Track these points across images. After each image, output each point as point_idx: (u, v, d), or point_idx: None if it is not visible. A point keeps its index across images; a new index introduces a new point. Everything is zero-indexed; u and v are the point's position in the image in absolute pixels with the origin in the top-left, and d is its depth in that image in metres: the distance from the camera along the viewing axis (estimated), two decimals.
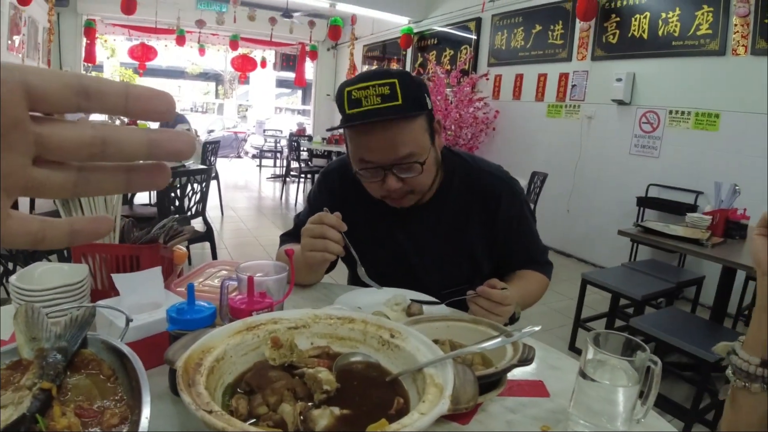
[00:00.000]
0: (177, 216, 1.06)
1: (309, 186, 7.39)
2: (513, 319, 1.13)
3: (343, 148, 6.78)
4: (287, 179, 7.83)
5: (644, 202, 4.09)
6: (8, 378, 0.60)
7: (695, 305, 3.20)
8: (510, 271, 1.28)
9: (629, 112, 4.34)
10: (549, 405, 0.79)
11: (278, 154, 9.74)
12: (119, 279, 0.85)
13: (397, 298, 1.07)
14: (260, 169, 10.09)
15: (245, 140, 13.14)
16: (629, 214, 4.18)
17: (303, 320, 0.76)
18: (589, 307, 3.02)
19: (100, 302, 0.80)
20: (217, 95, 21.52)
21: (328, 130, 1.52)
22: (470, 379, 0.63)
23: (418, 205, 1.22)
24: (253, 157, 11.58)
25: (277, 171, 9.35)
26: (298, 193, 7.30)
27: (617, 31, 4.40)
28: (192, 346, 0.63)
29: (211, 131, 11.79)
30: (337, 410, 0.61)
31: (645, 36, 4.17)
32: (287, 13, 7.99)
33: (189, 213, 2.97)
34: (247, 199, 7.21)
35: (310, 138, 7.94)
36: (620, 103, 4.36)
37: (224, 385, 0.64)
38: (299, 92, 19.62)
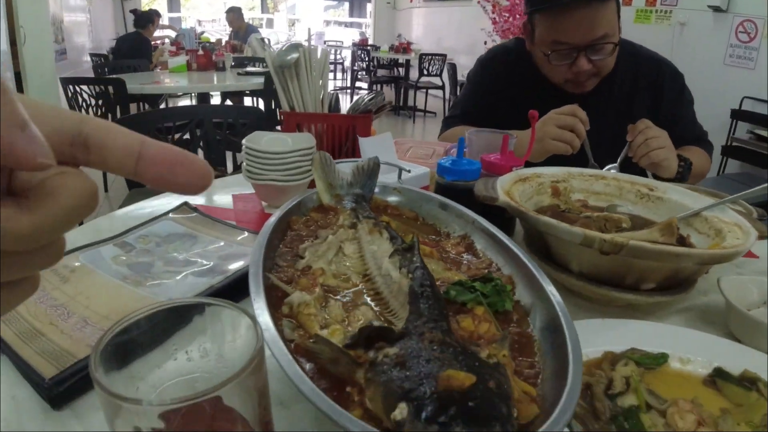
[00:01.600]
0: (380, 92, 1.08)
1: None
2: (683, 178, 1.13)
3: (410, 56, 6.61)
4: (353, 91, 7.71)
5: (738, 115, 3.80)
6: (321, 219, 0.66)
7: None
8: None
9: (725, 19, 3.92)
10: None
11: (339, 66, 9.53)
12: (365, 142, 0.90)
13: None
14: None
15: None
16: (721, 128, 3.88)
17: (560, 176, 0.79)
18: None
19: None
20: (264, 10, 20.87)
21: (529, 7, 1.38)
22: (753, 218, 0.66)
23: (585, 92, 1.22)
24: None
25: (339, 83, 9.21)
26: None
27: None
28: (495, 186, 0.67)
29: (277, 42, 11.56)
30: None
31: None
32: None
33: None
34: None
35: (375, 47, 7.68)
36: (716, 9, 3.92)
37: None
38: (346, 4, 18.72)
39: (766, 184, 0.75)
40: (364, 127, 1.03)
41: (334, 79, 9.63)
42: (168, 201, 0.96)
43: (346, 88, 8.22)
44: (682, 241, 0.62)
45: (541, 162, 1.06)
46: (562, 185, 0.76)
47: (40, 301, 0.62)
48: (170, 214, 0.88)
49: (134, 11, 4.87)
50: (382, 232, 0.57)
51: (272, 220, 0.58)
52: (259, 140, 0.96)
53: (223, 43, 5.29)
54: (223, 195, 1.02)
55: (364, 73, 7.06)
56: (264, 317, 0.40)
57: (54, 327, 0.58)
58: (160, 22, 6.08)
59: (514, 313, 0.45)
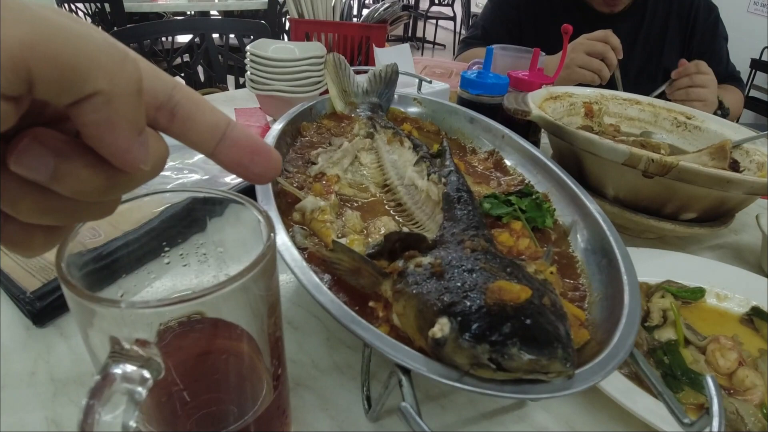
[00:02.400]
0: (398, 0, 0.98)
1: None
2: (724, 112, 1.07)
3: None
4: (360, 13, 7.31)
5: (758, 65, 3.62)
6: (335, 127, 0.59)
7: None
8: None
9: None
10: None
11: None
12: (381, 52, 0.82)
13: None
14: None
15: None
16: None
17: (593, 97, 0.73)
18: None
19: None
20: None
21: None
22: None
23: (614, 12, 1.14)
24: None
25: None
26: None
27: None
28: (526, 100, 0.60)
29: None
30: None
31: None
32: None
33: None
34: None
35: None
36: None
37: None
38: None
39: None
40: (379, 38, 0.94)
41: None
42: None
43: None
44: (736, 167, 0.57)
45: None
46: (596, 107, 0.69)
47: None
48: None
49: None
50: (404, 141, 0.52)
51: (279, 125, 0.51)
52: (265, 47, 0.87)
53: None
54: (225, 109, 0.94)
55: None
56: (275, 222, 0.35)
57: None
58: None
59: (553, 232, 0.41)
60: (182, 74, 1.60)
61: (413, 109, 0.64)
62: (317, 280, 0.29)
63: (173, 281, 0.32)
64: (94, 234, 0.45)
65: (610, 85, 0.98)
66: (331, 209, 0.41)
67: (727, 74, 1.22)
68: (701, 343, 0.42)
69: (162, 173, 0.63)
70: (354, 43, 0.95)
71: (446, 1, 5.94)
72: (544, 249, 0.35)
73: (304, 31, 0.94)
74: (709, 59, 1.18)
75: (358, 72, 0.66)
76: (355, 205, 0.44)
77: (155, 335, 0.22)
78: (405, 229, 0.39)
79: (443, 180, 0.40)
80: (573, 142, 0.52)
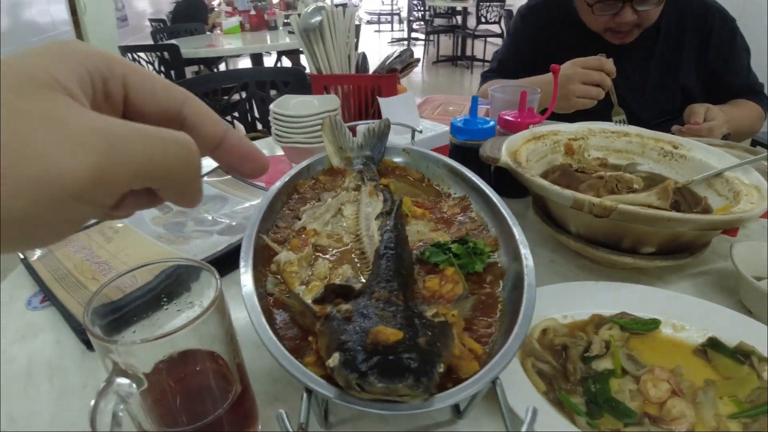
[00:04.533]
0: (407, 49, 1.07)
1: (432, 48, 7.04)
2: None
3: (467, 3, 6.28)
4: (409, 42, 7.51)
5: None
6: (329, 182, 0.69)
7: None
8: (723, 101, 1.18)
9: None
10: None
11: (395, 17, 9.27)
12: (385, 102, 0.90)
13: None
14: (379, 35, 9.77)
15: (358, 6, 12.61)
16: None
17: (580, 132, 0.76)
18: None
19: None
20: None
21: None
22: None
23: (628, 42, 1.17)
24: (368, 23, 11.17)
25: (396, 35, 8.99)
26: (423, 56, 7.02)
27: None
28: (504, 147, 0.66)
29: None
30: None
31: None
32: None
33: None
34: (371, 66, 7.11)
35: None
36: None
37: None
38: None
39: None
40: (389, 87, 1.03)
41: (391, 30, 9.42)
42: (205, 163, 1.03)
43: (403, 39, 8.01)
44: (677, 207, 0.59)
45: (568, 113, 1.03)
46: (577, 143, 0.73)
47: (87, 258, 0.71)
48: (205, 177, 0.95)
49: None
50: (379, 195, 0.60)
51: (278, 184, 0.61)
52: (286, 104, 0.99)
53: (276, 0, 5.30)
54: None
55: (421, 23, 6.83)
56: (247, 275, 0.44)
57: (95, 281, 0.67)
58: None
59: (488, 275, 0.47)
60: (236, 114, 1.79)
61: (401, 159, 0.71)
62: (264, 321, 0.38)
63: (172, 322, 0.42)
64: (133, 281, 0.57)
65: (606, 100, 1.00)
66: (303, 261, 0.49)
67: (746, 87, 1.19)
68: (637, 374, 0.46)
69: (197, 227, 0.76)
70: (367, 91, 1.04)
71: (493, 19, 5.97)
72: (463, 293, 0.41)
73: (322, 84, 1.05)
74: (727, 72, 1.18)
75: (365, 124, 0.75)
76: (330, 253, 0.52)
77: (156, 361, 0.34)
78: (362, 277, 0.47)
79: (381, 237, 0.48)
80: (530, 187, 0.57)
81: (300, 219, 0.57)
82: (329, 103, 0.98)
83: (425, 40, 6.82)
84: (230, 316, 0.37)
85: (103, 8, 4.44)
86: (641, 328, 0.51)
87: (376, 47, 8.74)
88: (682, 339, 0.51)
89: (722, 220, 0.50)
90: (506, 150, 0.65)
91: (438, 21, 7.10)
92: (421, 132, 0.77)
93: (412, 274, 0.44)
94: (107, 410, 0.30)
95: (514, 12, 5.30)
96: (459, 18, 6.87)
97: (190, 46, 2.94)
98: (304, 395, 0.33)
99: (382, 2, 10.33)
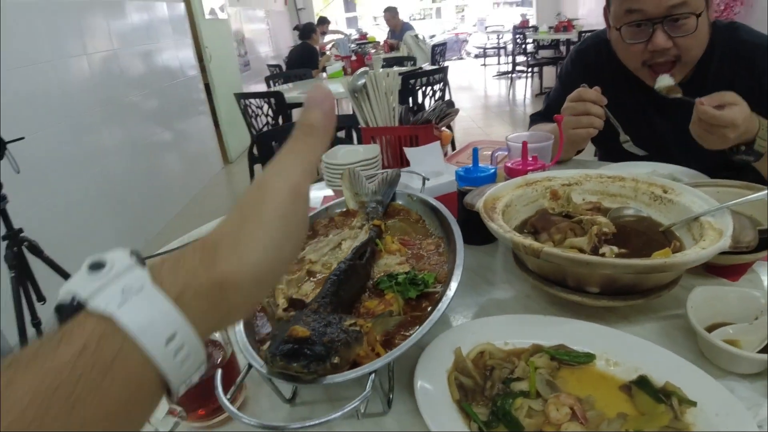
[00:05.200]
0: (446, 99, 1.19)
1: (537, 80, 6.98)
2: (754, 152, 0.96)
3: (571, 35, 6.17)
4: (513, 75, 7.53)
5: None
6: (342, 221, 0.83)
7: None
8: None
9: None
10: None
11: (502, 51, 9.35)
12: (410, 151, 1.04)
13: (658, 171, 1.03)
14: (485, 68, 9.90)
15: (466, 41, 12.92)
16: None
17: (575, 178, 0.83)
18: None
19: (402, 169, 1.00)
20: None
21: None
22: (748, 225, 0.63)
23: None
24: (476, 56, 11.38)
25: (502, 68, 9.04)
26: (526, 89, 6.99)
27: None
28: (486, 193, 0.76)
29: (432, 36, 11.90)
30: (615, 249, 0.67)
31: None
32: None
33: None
34: (474, 99, 7.27)
35: (535, 29, 7.34)
36: None
37: (512, 227, 0.76)
38: None
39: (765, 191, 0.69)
40: (426, 135, 1.17)
41: (498, 63, 9.48)
42: None
43: (507, 72, 8.03)
44: (595, 251, 0.64)
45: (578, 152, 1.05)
46: (564, 188, 0.80)
47: None
48: None
49: (296, 27, 5.58)
50: (368, 232, 0.73)
51: None
52: (336, 153, 1.18)
53: (381, 42, 5.72)
54: (319, 194, 1.27)
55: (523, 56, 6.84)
56: None
57: None
58: (329, 28, 6.80)
59: (425, 301, 0.58)
60: None
61: (404, 203, 0.84)
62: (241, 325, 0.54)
63: None
64: None
65: (610, 130, 1.02)
66: (293, 282, 0.65)
67: None
68: (547, 397, 0.53)
69: None
70: (406, 140, 1.19)
71: None
72: (387, 312, 0.53)
73: (370, 135, 1.22)
74: None
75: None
76: (317, 277, 0.67)
77: None
78: None
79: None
80: (489, 229, 0.67)
81: (302, 250, 0.73)
82: (371, 151, 1.14)
83: (527, 72, 6.79)
84: None
85: (227, 56, 5.16)
86: (573, 360, 0.57)
87: (482, 80, 8.87)
88: (613, 374, 0.56)
89: (648, 264, 0.55)
90: (487, 196, 0.75)
91: (543, 53, 7.05)
92: (428, 180, 0.89)
93: (351, 295, 0.57)
94: None
95: None
96: (564, 49, 6.75)
97: (296, 91, 3.36)
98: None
99: (488, 37, 10.48)
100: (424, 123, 1.17)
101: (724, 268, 0.75)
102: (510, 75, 7.58)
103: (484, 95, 7.62)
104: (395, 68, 3.89)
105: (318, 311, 0.50)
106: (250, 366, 0.48)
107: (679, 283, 0.67)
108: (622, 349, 0.58)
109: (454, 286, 0.56)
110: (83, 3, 2.86)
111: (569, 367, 0.57)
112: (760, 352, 0.56)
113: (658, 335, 0.63)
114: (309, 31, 5.27)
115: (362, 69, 1.21)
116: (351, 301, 0.57)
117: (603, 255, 0.63)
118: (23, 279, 1.77)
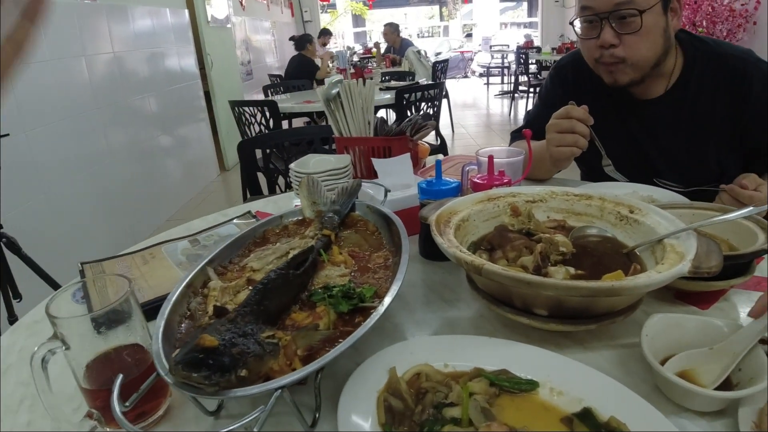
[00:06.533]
0: (422, 113, 1.17)
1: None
2: None
3: None
4: (515, 95, 7.56)
5: None
6: (295, 230, 0.81)
7: None
8: (765, 171, 1.07)
9: None
10: None
11: (505, 70, 9.41)
12: (378, 163, 1.01)
13: (638, 192, 1.00)
14: (488, 87, 9.96)
15: (471, 59, 13.04)
16: None
17: (540, 195, 0.80)
18: None
19: (364, 180, 0.97)
20: (441, 18, 21.56)
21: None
22: (714, 249, 0.59)
23: (653, 98, 1.13)
24: (480, 75, 11.46)
25: (505, 87, 9.09)
26: (527, 108, 7.01)
27: None
28: (442, 207, 0.73)
29: (438, 53, 12.00)
30: (572, 270, 0.64)
31: None
32: None
33: None
34: (476, 117, 7.29)
35: (538, 50, 7.39)
36: None
37: (468, 242, 0.73)
38: (525, 4, 18.20)
39: (747, 209, 0.66)
40: (400, 147, 1.14)
41: (502, 83, 9.54)
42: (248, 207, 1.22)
43: (508, 92, 8.07)
44: (538, 271, 0.60)
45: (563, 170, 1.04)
46: (527, 205, 0.77)
47: (123, 272, 0.91)
48: (234, 220, 1.13)
49: (292, 37, 5.60)
50: (316, 243, 0.70)
51: (246, 230, 0.76)
52: (307, 162, 1.16)
53: (383, 56, 5.75)
54: (289, 205, 1.24)
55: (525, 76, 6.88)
56: (175, 294, 0.58)
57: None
58: (331, 40, 6.81)
59: (359, 316, 0.54)
60: None
61: (362, 214, 0.81)
62: (160, 332, 0.51)
63: None
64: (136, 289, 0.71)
65: (594, 151, 1.00)
66: (230, 289, 0.61)
67: None
68: (479, 425, 0.49)
69: None
70: (380, 151, 1.17)
71: None
72: (311, 326, 0.50)
73: (343, 145, 1.20)
74: (765, 137, 1.06)
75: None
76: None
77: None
78: None
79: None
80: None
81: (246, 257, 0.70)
82: (342, 161, 1.11)
83: (528, 92, 6.82)
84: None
85: (228, 64, 5.18)
86: (514, 387, 0.54)
87: (485, 98, 8.91)
88: (556, 405, 0.52)
89: (586, 287, 0.51)
90: (443, 210, 0.72)
91: (546, 74, 7.09)
92: (390, 191, 0.86)
93: (279, 305, 0.54)
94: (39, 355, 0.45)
95: None
96: None
97: (293, 101, 3.37)
98: None
99: (492, 56, 10.56)
100: (397, 135, 1.15)
101: (693, 295, 0.72)
102: (512, 94, 7.60)
103: (486, 113, 7.64)
104: (392, 83, 3.90)
105: (235, 321, 0.47)
106: (157, 373, 0.44)
107: (643, 308, 0.63)
108: (569, 378, 0.54)
109: (387, 301, 0.52)
110: (86, 5, 2.88)
111: (510, 395, 0.53)
112: (721, 386, 0.53)
113: (612, 364, 0.59)
114: (304, 42, 5.26)
115: (337, 78, 1.19)
116: (278, 312, 0.54)
117: (545, 275, 0.60)
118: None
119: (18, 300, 1.84)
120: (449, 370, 0.57)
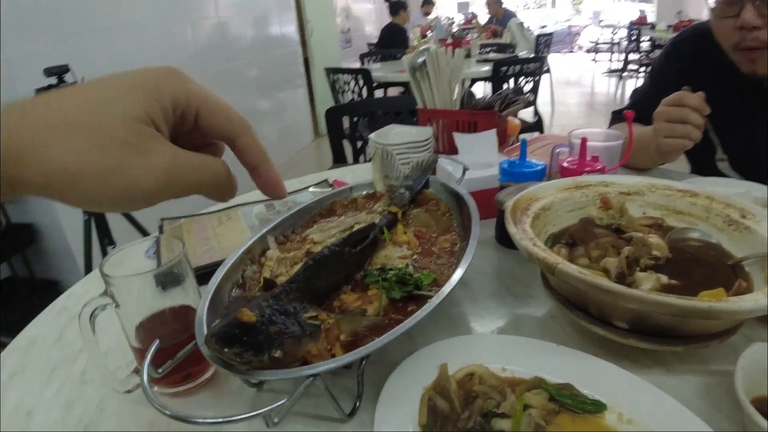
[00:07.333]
0: (514, 88, 1.08)
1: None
2: None
3: None
4: (624, 74, 6.89)
5: None
6: (364, 204, 0.77)
7: None
8: None
9: None
10: None
11: (615, 47, 8.59)
12: (459, 138, 0.95)
13: (753, 193, 0.85)
14: (595, 64, 9.17)
15: (579, 34, 12.05)
16: None
17: (637, 187, 0.70)
18: None
19: (442, 155, 0.91)
20: None
21: None
22: None
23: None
24: (588, 51, 10.58)
25: (613, 65, 8.32)
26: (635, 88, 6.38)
27: None
28: (522, 192, 0.66)
29: (544, 26, 11.23)
30: (664, 278, 0.55)
31: None
32: None
33: None
34: (580, 95, 6.77)
35: (652, 26, 6.61)
36: None
37: (548, 233, 0.66)
38: None
39: None
40: (487, 122, 1.06)
41: (610, 61, 8.75)
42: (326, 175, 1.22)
43: (616, 70, 7.36)
44: (621, 279, 0.50)
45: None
46: (619, 198, 0.67)
47: (198, 232, 0.95)
48: (310, 188, 1.14)
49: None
50: (380, 220, 0.67)
51: (314, 200, 0.74)
52: (387, 133, 1.12)
53: (484, 27, 5.47)
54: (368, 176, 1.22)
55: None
56: (231, 261, 0.58)
57: (195, 248, 0.90)
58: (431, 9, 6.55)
59: (412, 304, 0.51)
60: None
61: (435, 192, 0.76)
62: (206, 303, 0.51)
63: None
64: (208, 249, 0.75)
65: (707, 143, 0.87)
66: (287, 260, 0.60)
67: None
68: None
69: None
70: (464, 126, 1.09)
71: None
72: (358, 310, 0.47)
73: (426, 117, 1.14)
74: None
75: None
76: None
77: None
78: None
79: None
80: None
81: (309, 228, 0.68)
82: (423, 134, 1.06)
83: (638, 71, 6.17)
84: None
85: (329, 32, 5.23)
86: (577, 406, 0.47)
87: (590, 76, 8.24)
88: None
89: (676, 304, 0.43)
90: (522, 195, 0.65)
91: (659, 53, 6.37)
92: (467, 170, 0.80)
93: (329, 284, 0.52)
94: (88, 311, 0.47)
95: None
96: None
97: (386, 71, 3.33)
98: None
99: (601, 32, 9.67)
100: (484, 108, 1.07)
101: None
102: (620, 73, 6.94)
103: (591, 92, 7.06)
104: (492, 54, 3.71)
105: (279, 297, 0.45)
106: (195, 342, 0.44)
107: (744, 332, 0.53)
108: (643, 405, 0.47)
109: (446, 291, 0.48)
110: None
111: (571, 414, 0.47)
112: None
113: (697, 394, 0.50)
114: (398, 8, 5.06)
115: (424, 46, 1.12)
116: (327, 292, 0.51)
117: (631, 282, 0.51)
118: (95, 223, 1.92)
119: (112, 247, 2.03)
120: (507, 374, 0.52)
